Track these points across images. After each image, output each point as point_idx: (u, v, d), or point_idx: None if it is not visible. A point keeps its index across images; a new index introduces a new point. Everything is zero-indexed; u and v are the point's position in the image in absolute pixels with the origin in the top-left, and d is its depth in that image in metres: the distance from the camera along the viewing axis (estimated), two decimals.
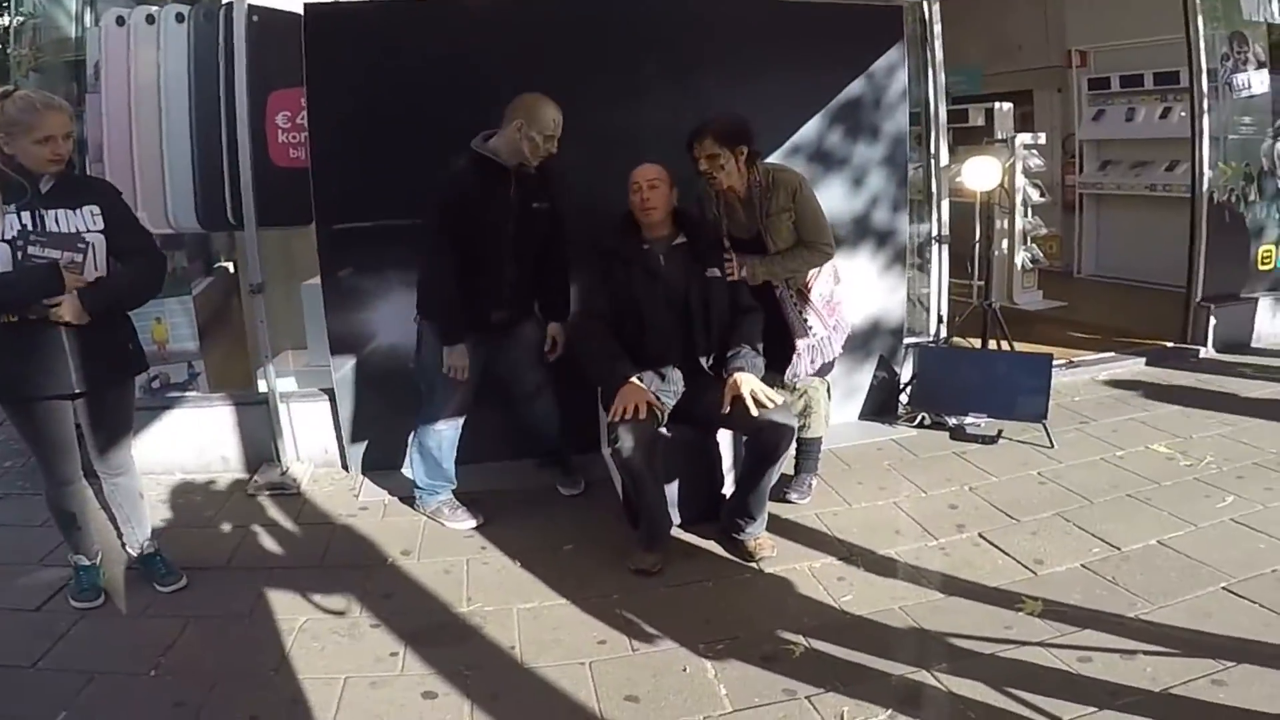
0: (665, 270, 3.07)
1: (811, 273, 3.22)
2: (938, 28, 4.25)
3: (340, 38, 3.53)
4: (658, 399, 2.97)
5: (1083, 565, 2.83)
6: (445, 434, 3.28)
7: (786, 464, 3.03)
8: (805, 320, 3.24)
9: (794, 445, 2.95)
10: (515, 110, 3.04)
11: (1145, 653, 2.34)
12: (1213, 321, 5.15)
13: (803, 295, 3.25)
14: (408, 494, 3.52)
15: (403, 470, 3.33)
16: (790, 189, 3.12)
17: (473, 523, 3.29)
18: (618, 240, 3.13)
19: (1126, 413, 4.23)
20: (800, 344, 3.24)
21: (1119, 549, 2.91)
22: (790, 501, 3.34)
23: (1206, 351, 5.13)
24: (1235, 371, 4.82)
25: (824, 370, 3.36)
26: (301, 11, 3.51)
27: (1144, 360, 4.98)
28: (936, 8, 4.22)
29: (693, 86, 3.74)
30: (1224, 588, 2.64)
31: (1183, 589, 2.64)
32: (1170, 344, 5.20)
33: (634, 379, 2.93)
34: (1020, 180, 6.15)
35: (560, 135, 3.06)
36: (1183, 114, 6.02)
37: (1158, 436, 3.89)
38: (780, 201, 3.13)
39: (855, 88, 3.92)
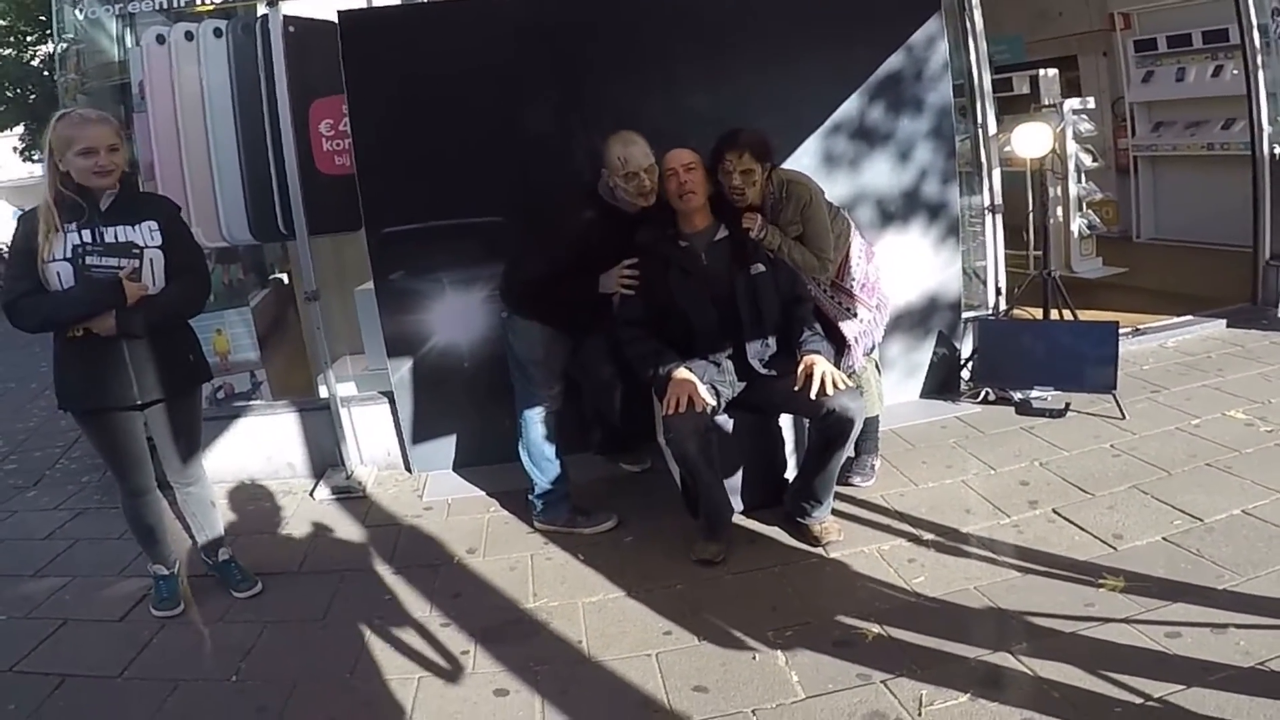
0: (708, 268, 2.99)
1: (843, 258, 3.18)
2: None
3: (376, 42, 3.57)
4: (712, 387, 2.94)
5: (1164, 538, 2.73)
6: (549, 418, 3.18)
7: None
8: (847, 309, 3.20)
9: None
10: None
11: (1237, 625, 2.25)
12: None
13: (836, 285, 3.21)
14: (471, 493, 3.55)
15: (529, 498, 3.26)
16: (800, 203, 3.08)
17: (614, 519, 3.20)
18: (651, 236, 3.03)
19: (1199, 379, 4.06)
20: (849, 334, 3.19)
21: (1201, 520, 2.80)
22: (854, 484, 3.29)
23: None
24: None
25: (870, 349, 3.31)
26: (336, 19, 3.54)
27: (1224, 322, 4.78)
28: None
29: (729, 70, 3.70)
30: None
31: (1272, 559, 2.53)
32: (1242, 305, 4.99)
33: (683, 369, 2.89)
34: (1071, 146, 5.94)
35: (645, 165, 2.92)
36: (1235, 72, 5.89)
37: (1234, 403, 3.73)
38: (789, 215, 3.09)
39: (895, 61, 3.82)
